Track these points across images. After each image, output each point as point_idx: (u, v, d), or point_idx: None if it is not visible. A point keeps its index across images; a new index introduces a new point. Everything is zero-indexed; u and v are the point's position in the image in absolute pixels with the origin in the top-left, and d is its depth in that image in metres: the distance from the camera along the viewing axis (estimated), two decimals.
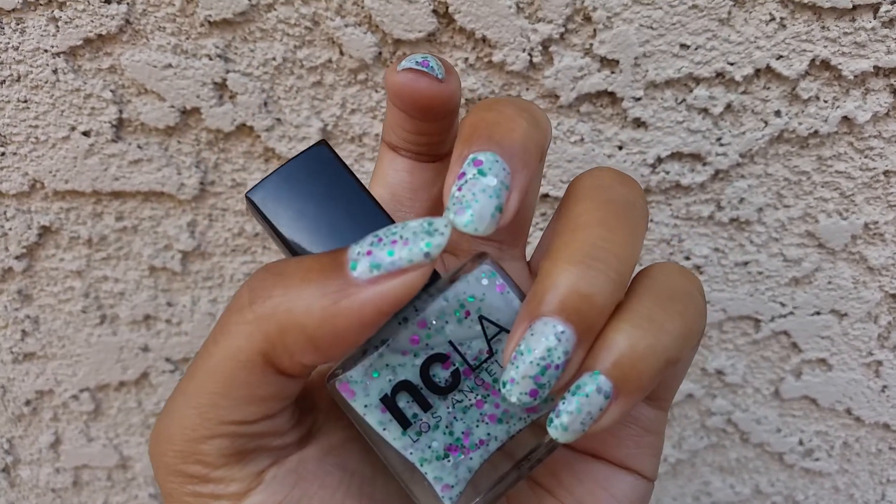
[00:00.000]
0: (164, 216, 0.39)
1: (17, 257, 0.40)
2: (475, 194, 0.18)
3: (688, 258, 0.39)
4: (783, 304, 0.40)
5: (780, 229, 0.37)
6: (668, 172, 0.36)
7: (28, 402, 0.47)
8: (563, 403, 0.19)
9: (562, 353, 0.18)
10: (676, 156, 0.36)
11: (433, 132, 0.23)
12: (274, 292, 0.18)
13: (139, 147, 0.37)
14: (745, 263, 0.39)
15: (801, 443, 0.45)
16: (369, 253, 0.18)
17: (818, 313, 0.40)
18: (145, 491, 0.51)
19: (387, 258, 0.18)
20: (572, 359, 0.19)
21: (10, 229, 0.40)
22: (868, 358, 0.41)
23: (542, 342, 0.18)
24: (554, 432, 0.19)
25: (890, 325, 0.40)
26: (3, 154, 0.37)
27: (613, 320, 0.19)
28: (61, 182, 0.38)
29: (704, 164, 0.36)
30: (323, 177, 0.21)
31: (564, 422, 0.19)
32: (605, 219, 0.19)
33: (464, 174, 0.19)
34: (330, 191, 0.21)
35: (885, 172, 0.35)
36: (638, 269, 0.21)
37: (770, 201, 0.37)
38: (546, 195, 0.37)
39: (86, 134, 0.37)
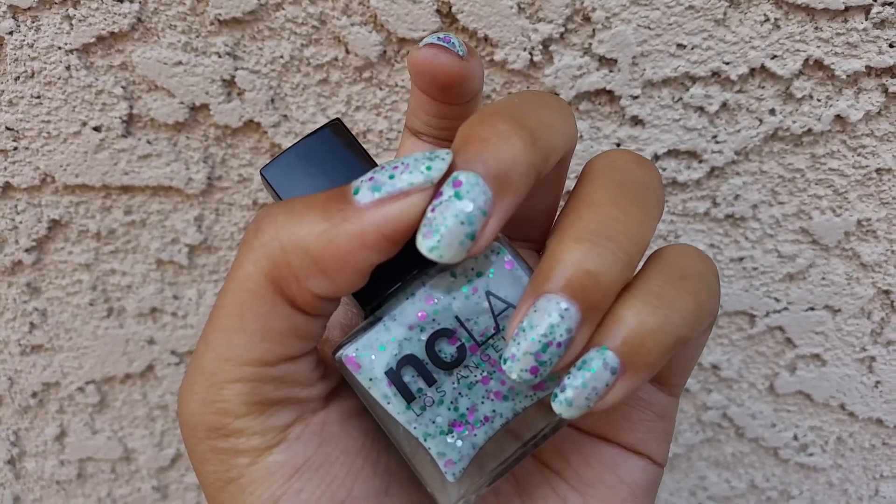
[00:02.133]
0: (171, 210, 0.40)
1: (26, 250, 0.41)
2: (446, 218, 0.18)
3: None
4: (777, 300, 0.41)
5: (774, 226, 0.38)
6: (664, 169, 0.37)
7: (34, 394, 0.47)
8: (569, 378, 0.19)
9: (564, 330, 0.18)
10: (673, 153, 0.37)
11: (455, 116, 0.23)
12: (278, 219, 0.18)
13: (148, 142, 0.38)
14: (740, 259, 0.40)
15: (795, 438, 0.46)
16: (371, 178, 0.18)
17: (812, 309, 0.41)
18: (148, 483, 0.51)
19: (388, 181, 0.18)
20: (576, 337, 0.18)
21: (21, 223, 0.40)
22: (861, 353, 0.42)
23: (545, 319, 0.18)
24: (558, 407, 0.19)
25: (883, 320, 0.41)
26: (16, 149, 0.38)
27: (622, 297, 0.19)
28: (72, 176, 0.39)
29: (700, 162, 0.37)
30: (337, 154, 0.22)
31: (569, 396, 0.19)
32: (617, 199, 0.19)
33: (441, 193, 0.18)
34: (343, 168, 0.21)
35: (878, 170, 0.36)
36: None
37: (765, 198, 0.38)
38: None
39: (96, 129, 0.37)
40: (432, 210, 0.18)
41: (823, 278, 0.40)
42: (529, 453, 0.21)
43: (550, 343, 0.18)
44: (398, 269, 0.21)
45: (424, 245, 0.18)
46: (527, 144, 0.18)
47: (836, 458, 0.46)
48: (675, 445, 0.47)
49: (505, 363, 0.19)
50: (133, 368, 0.46)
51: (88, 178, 0.39)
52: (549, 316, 0.18)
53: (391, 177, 0.18)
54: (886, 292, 0.40)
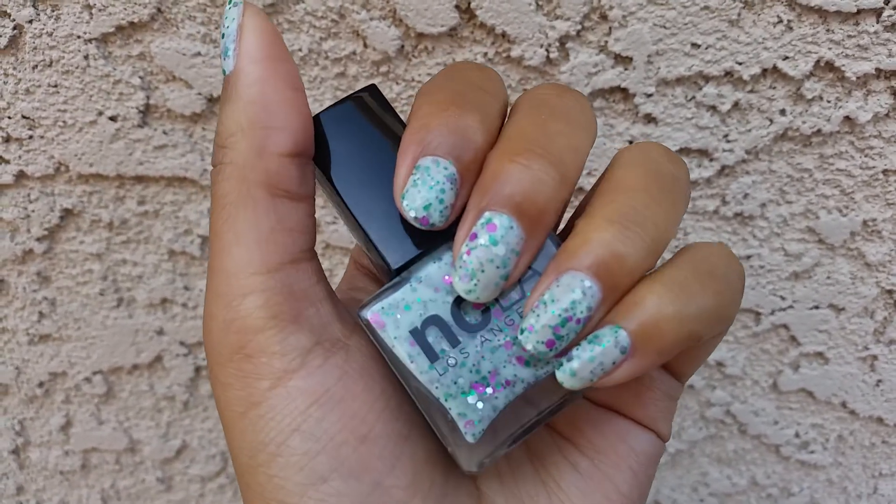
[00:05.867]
0: (185, 201, 0.40)
1: (38, 239, 0.41)
2: (483, 264, 0.19)
3: None
4: (783, 298, 0.41)
5: (781, 225, 0.39)
6: None
7: (41, 384, 0.47)
8: (578, 350, 0.19)
9: (585, 307, 0.19)
10: (685, 151, 0.37)
11: None
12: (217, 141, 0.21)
13: (164, 133, 0.38)
14: (748, 257, 0.40)
15: (797, 435, 0.47)
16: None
17: (817, 307, 0.41)
18: (153, 475, 0.52)
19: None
20: (594, 316, 0.19)
21: (33, 211, 0.41)
22: (864, 352, 0.43)
23: (567, 294, 0.19)
24: (561, 376, 0.19)
25: (885, 320, 0.41)
26: (31, 137, 0.38)
27: (646, 281, 0.19)
28: (86, 165, 0.39)
29: (711, 160, 0.37)
30: (369, 120, 0.22)
31: (574, 367, 0.19)
32: (649, 187, 0.20)
33: (475, 236, 0.19)
34: (376, 134, 0.22)
35: (884, 171, 0.37)
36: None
37: (773, 197, 0.38)
38: None
39: (113, 119, 0.38)
40: (468, 252, 0.19)
41: (828, 277, 0.40)
42: (544, 422, 0.22)
43: (570, 318, 0.19)
44: (426, 236, 0.21)
45: (461, 286, 0.19)
46: (557, 182, 0.19)
47: (837, 456, 0.47)
48: (678, 441, 0.48)
49: (522, 333, 0.19)
50: (141, 359, 0.46)
51: (103, 168, 0.39)
52: (573, 292, 0.19)
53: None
54: (890, 292, 0.40)
